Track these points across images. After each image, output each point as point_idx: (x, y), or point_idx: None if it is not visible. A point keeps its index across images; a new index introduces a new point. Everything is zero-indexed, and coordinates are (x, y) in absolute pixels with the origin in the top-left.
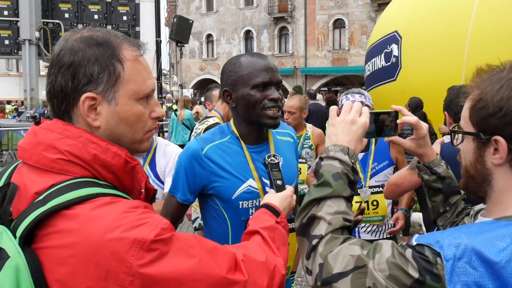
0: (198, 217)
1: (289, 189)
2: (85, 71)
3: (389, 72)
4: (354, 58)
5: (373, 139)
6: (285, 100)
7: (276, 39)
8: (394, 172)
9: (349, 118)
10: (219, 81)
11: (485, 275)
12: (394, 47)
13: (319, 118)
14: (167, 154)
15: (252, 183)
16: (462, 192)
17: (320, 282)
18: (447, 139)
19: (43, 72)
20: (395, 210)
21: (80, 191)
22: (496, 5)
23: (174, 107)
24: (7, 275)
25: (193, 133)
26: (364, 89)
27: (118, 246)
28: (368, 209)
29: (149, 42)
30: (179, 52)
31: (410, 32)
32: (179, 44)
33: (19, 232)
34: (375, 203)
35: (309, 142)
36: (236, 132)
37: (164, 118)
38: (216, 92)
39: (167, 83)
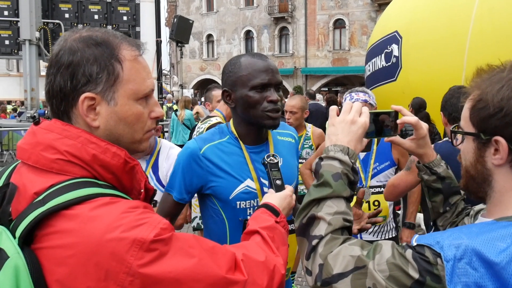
0: (196, 217)
1: (289, 189)
2: (84, 71)
3: (390, 72)
4: (354, 58)
5: (375, 139)
6: (285, 100)
7: (277, 39)
8: (396, 173)
9: (349, 118)
10: (219, 81)
11: (485, 276)
12: (394, 47)
13: (318, 118)
14: (170, 158)
15: (250, 183)
16: (462, 192)
17: (320, 282)
18: None
19: (44, 72)
20: (396, 210)
21: (79, 191)
22: (497, 5)
23: (175, 107)
24: (6, 275)
25: (195, 132)
26: None
27: (117, 246)
28: (369, 209)
29: (149, 42)
30: (180, 52)
31: (410, 32)
32: (179, 44)
33: (18, 232)
34: (376, 203)
35: (310, 142)
36: (235, 132)
37: (165, 118)
38: (215, 93)
39: (167, 83)
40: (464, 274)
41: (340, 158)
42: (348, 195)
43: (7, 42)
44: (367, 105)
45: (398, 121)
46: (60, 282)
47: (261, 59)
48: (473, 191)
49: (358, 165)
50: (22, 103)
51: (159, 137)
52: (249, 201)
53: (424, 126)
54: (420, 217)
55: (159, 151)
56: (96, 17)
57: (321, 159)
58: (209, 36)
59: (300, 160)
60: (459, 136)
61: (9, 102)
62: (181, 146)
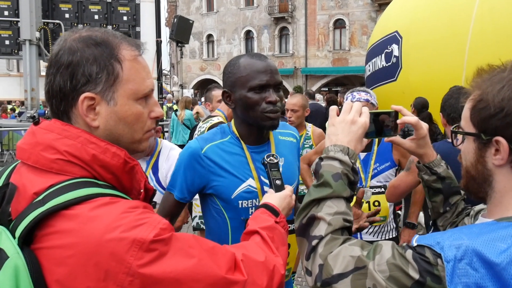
0: (196, 216)
1: (288, 189)
2: (84, 71)
3: (390, 72)
4: (354, 58)
5: (376, 140)
6: (285, 101)
7: (277, 39)
8: (396, 174)
9: (349, 118)
10: (219, 81)
11: (486, 277)
12: (394, 47)
13: (318, 118)
14: (170, 159)
15: (252, 182)
16: (462, 192)
17: (320, 283)
18: None
19: (44, 72)
20: (397, 210)
21: (79, 191)
22: (497, 5)
23: (175, 107)
24: (6, 275)
25: (196, 132)
26: None
27: (117, 246)
28: (369, 209)
29: (150, 42)
30: (180, 52)
31: (410, 32)
32: (179, 44)
33: (18, 233)
34: (376, 203)
35: (310, 142)
36: (236, 132)
37: (165, 118)
38: (215, 93)
39: (167, 83)
40: (464, 275)
41: (340, 158)
42: (348, 195)
43: (7, 42)
44: (369, 104)
45: (398, 121)
46: (60, 282)
47: (259, 60)
48: (474, 192)
49: (358, 165)
50: (22, 103)
51: (159, 137)
52: (250, 200)
53: (424, 126)
54: (421, 217)
55: (159, 152)
56: (96, 17)
57: (321, 159)
58: (209, 36)
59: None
60: (459, 136)
61: (9, 102)
62: (181, 146)
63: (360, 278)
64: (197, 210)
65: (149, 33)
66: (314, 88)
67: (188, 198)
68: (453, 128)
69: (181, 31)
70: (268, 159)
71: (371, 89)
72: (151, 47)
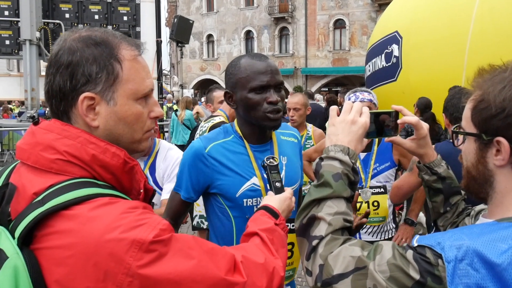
0: (197, 215)
1: (288, 191)
2: (84, 71)
3: (390, 72)
4: (354, 58)
5: (376, 139)
6: (286, 101)
7: (277, 39)
8: (396, 174)
9: (350, 118)
10: (219, 81)
11: (486, 277)
12: (394, 47)
13: (317, 118)
14: (167, 159)
15: (256, 181)
16: (463, 192)
17: (320, 283)
18: None
19: (44, 72)
20: (396, 210)
21: (78, 191)
22: (497, 5)
23: (175, 107)
24: (5, 276)
25: (198, 131)
26: None
27: (116, 246)
28: (368, 209)
29: (150, 42)
30: (180, 52)
31: (410, 32)
32: (179, 44)
33: (17, 233)
34: (376, 203)
35: (311, 142)
36: (239, 131)
37: (165, 118)
38: (216, 94)
39: (167, 84)
40: (465, 275)
41: (340, 158)
42: (348, 195)
43: (7, 42)
44: (372, 104)
45: (398, 121)
46: (59, 282)
47: (260, 60)
48: (474, 192)
49: (358, 165)
50: (22, 103)
51: (159, 137)
52: (255, 199)
53: (425, 126)
54: (422, 217)
55: (157, 152)
56: (96, 17)
57: (321, 159)
58: (209, 36)
59: None
60: (460, 137)
61: (9, 102)
62: (181, 146)
63: (360, 278)
64: (197, 209)
65: (149, 33)
66: (314, 88)
67: (194, 197)
68: (454, 128)
69: (181, 31)
70: (268, 161)
71: (371, 89)
72: (151, 47)
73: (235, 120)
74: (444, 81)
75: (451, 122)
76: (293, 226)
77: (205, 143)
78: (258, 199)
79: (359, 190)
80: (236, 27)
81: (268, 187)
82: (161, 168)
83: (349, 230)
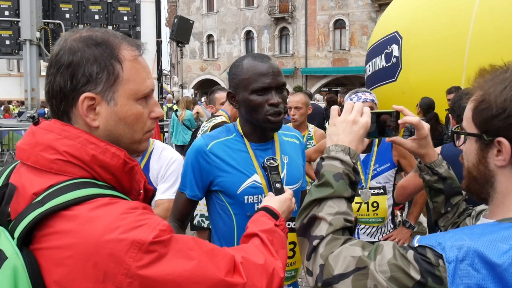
0: (197, 214)
1: (288, 192)
2: (84, 71)
3: (390, 72)
4: (354, 58)
5: (376, 140)
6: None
7: (277, 39)
8: (395, 175)
9: (351, 118)
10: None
11: (487, 278)
12: (394, 47)
13: (316, 118)
14: (161, 159)
15: (257, 178)
16: (464, 193)
17: (320, 283)
18: None
19: (44, 72)
20: (395, 211)
21: (78, 191)
22: (497, 5)
23: (175, 107)
24: (5, 276)
25: (200, 131)
26: None
27: (116, 247)
28: (368, 210)
29: (150, 43)
30: (180, 52)
31: (410, 33)
32: (179, 44)
33: (17, 233)
34: (375, 204)
35: (312, 143)
36: (241, 130)
37: (165, 119)
38: (218, 95)
39: (167, 84)
40: (466, 276)
41: (341, 158)
42: (349, 195)
43: (7, 42)
44: (373, 104)
45: (399, 121)
46: (59, 283)
47: (262, 62)
48: (475, 192)
49: (358, 166)
50: (22, 103)
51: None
52: (256, 196)
53: (426, 126)
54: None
55: (151, 152)
56: (96, 17)
57: (322, 159)
58: (210, 36)
59: None
60: (461, 137)
61: (9, 102)
62: (181, 146)
63: (361, 278)
64: (198, 208)
65: (150, 33)
66: (314, 88)
67: (199, 195)
68: (454, 129)
69: (181, 31)
70: (268, 162)
71: (371, 89)
72: (151, 47)
73: (238, 120)
74: (444, 81)
75: (458, 123)
76: (294, 225)
77: (207, 140)
78: (259, 196)
79: (359, 191)
80: (236, 27)
81: (268, 188)
82: (155, 168)
83: (350, 230)
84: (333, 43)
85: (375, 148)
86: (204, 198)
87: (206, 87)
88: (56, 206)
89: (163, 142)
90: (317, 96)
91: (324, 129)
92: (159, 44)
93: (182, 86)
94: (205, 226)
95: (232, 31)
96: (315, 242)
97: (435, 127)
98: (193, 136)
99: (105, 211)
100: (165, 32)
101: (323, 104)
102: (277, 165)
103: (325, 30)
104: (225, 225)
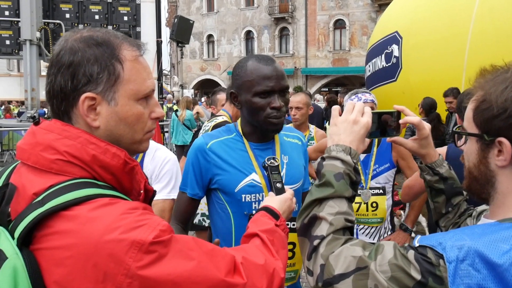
0: (198, 213)
1: (289, 192)
2: (85, 71)
3: (390, 72)
4: (354, 58)
5: (376, 141)
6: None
7: (277, 39)
8: (395, 175)
9: (352, 118)
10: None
11: (488, 278)
12: (394, 47)
13: (315, 118)
14: (155, 159)
15: (255, 177)
16: (464, 193)
17: (321, 283)
18: None
19: (44, 72)
20: (394, 212)
21: (78, 192)
22: (497, 5)
23: (175, 107)
24: (5, 276)
25: (201, 131)
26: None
27: (116, 247)
28: (367, 210)
29: (150, 43)
30: (180, 52)
31: (410, 33)
32: (179, 44)
33: (17, 233)
34: (374, 205)
35: (313, 143)
36: (241, 130)
37: (165, 119)
38: (220, 96)
39: (167, 84)
40: (466, 276)
41: (342, 158)
42: (350, 195)
43: (7, 42)
44: (374, 105)
45: (400, 121)
46: (58, 283)
47: (266, 65)
48: (476, 192)
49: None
50: (22, 103)
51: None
52: (254, 195)
53: (427, 126)
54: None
55: (144, 153)
56: (96, 17)
57: (323, 159)
58: (210, 36)
59: None
60: (462, 137)
61: (9, 102)
62: (181, 146)
63: (361, 278)
64: (199, 207)
65: (150, 33)
66: (314, 88)
67: (200, 194)
68: (455, 129)
69: (182, 31)
70: (269, 162)
71: (371, 89)
72: (151, 47)
73: (239, 120)
74: (444, 81)
75: None
76: (293, 225)
77: (207, 139)
78: (257, 195)
79: (359, 192)
80: (236, 27)
81: (269, 188)
82: (149, 168)
83: (351, 230)
84: (333, 43)
85: (374, 149)
86: (205, 198)
87: (206, 87)
88: (56, 206)
89: (164, 142)
90: (317, 96)
91: (324, 129)
92: (159, 44)
93: (182, 86)
94: (206, 225)
95: (232, 31)
96: (315, 242)
97: (437, 127)
98: (195, 137)
99: (105, 211)
100: (165, 32)
101: (323, 104)
102: (278, 165)
103: (325, 30)
104: (223, 223)
